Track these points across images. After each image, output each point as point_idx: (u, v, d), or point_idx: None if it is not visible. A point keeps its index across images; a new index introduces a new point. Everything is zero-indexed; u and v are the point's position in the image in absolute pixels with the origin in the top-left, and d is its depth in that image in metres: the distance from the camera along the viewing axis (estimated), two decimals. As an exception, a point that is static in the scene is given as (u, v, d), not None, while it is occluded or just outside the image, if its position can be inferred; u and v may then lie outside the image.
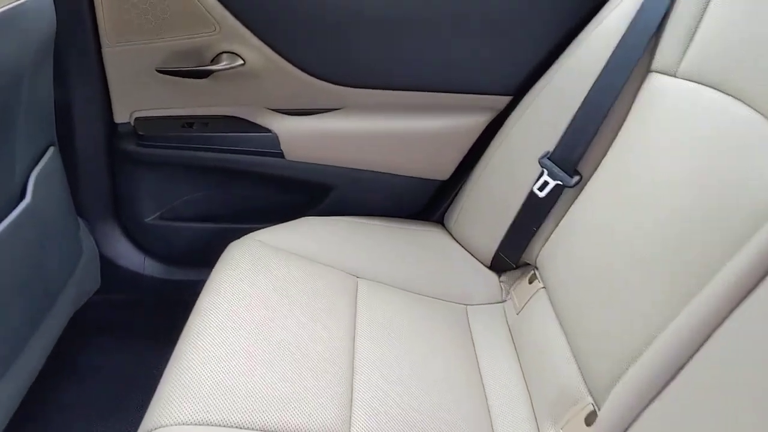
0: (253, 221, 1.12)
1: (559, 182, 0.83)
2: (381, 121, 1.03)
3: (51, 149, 0.93)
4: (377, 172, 1.07)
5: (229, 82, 1.01)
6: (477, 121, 1.02)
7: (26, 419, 0.98)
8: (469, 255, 1.00)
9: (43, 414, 1.06)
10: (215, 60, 0.98)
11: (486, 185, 0.99)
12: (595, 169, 0.80)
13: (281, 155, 1.05)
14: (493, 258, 0.96)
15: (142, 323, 1.23)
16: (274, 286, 0.82)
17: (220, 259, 0.91)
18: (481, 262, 0.98)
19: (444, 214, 1.10)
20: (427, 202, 1.12)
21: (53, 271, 0.92)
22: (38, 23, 0.74)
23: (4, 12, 0.64)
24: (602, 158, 0.79)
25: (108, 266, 1.15)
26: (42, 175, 0.87)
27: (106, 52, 0.98)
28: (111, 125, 1.06)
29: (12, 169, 0.79)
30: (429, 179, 1.09)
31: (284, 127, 1.04)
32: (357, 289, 0.88)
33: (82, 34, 0.95)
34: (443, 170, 1.08)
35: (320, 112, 1.04)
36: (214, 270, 0.87)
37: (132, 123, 1.06)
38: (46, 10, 0.77)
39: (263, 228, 0.98)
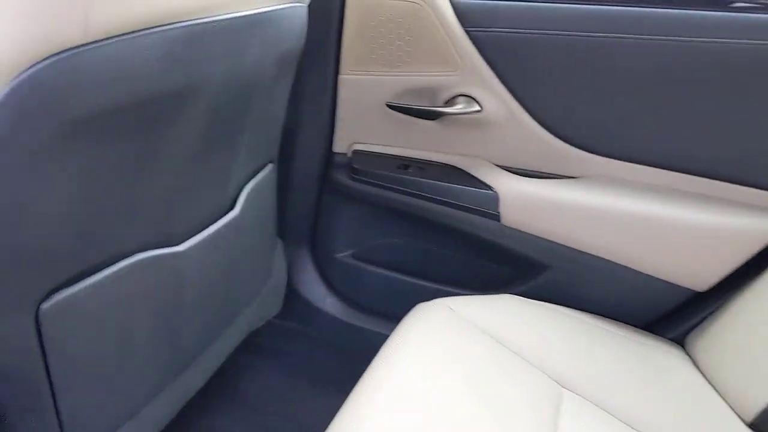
0: (446, 282, 1.02)
1: None
2: (630, 201, 0.84)
3: (269, 166, 0.91)
4: (609, 261, 0.88)
5: (458, 128, 0.91)
6: (764, 227, 0.78)
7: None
8: (720, 398, 0.75)
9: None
10: (450, 102, 0.90)
11: (763, 313, 0.73)
12: None
13: (497, 217, 0.91)
14: (759, 414, 0.70)
15: (309, 359, 1.18)
16: (462, 369, 0.71)
17: (405, 319, 0.80)
18: (737, 414, 0.72)
19: (688, 333, 0.86)
20: (666, 312, 0.89)
21: (242, 288, 0.90)
22: (288, 35, 0.72)
23: (257, 14, 0.61)
24: None
25: (290, 293, 1.11)
26: (255, 190, 0.85)
27: (342, 78, 0.96)
28: (328, 153, 1.04)
29: (228, 178, 0.77)
30: (677, 285, 0.86)
31: (508, 187, 0.90)
32: (560, 402, 0.71)
33: (325, 56, 0.94)
34: (700, 279, 0.84)
35: (554, 177, 0.89)
36: (398, 329, 0.78)
37: (349, 155, 1.02)
38: (300, 25, 0.74)
39: (456, 294, 0.89)
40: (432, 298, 0.85)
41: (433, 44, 0.87)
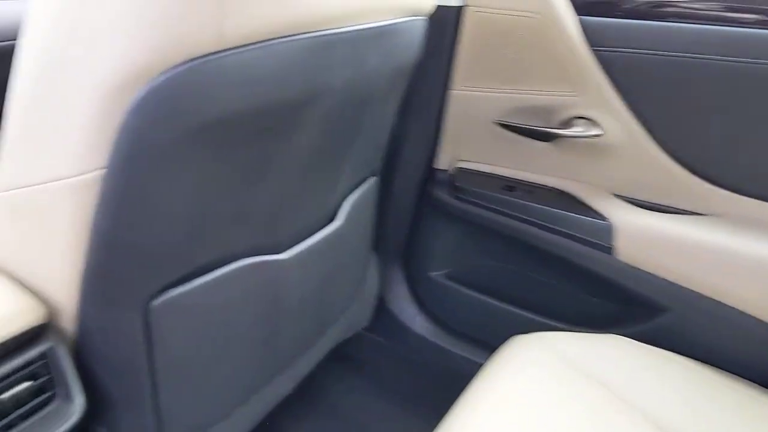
0: (546, 314, 0.96)
1: None
2: (764, 245, 0.75)
3: (372, 179, 0.90)
4: (735, 309, 0.79)
5: (573, 152, 0.86)
6: None
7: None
8: None
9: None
10: (567, 124, 0.84)
11: None
12: None
13: (609, 250, 0.85)
14: None
15: (394, 375, 1.16)
16: (562, 409, 0.66)
17: (501, 350, 0.77)
18: None
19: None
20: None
21: (337, 298, 0.89)
22: (407, 48, 0.70)
23: (380, 26, 0.60)
24: None
25: (380, 307, 1.10)
26: (357, 202, 0.84)
27: (452, 94, 0.93)
28: (430, 170, 1.01)
29: (333, 188, 0.76)
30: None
31: (625, 218, 0.84)
32: (671, 461, 0.63)
33: (437, 70, 0.91)
34: None
35: (679, 212, 0.81)
36: (493, 359, 0.74)
37: (452, 172, 0.99)
38: (418, 38, 0.73)
39: (556, 328, 0.83)
40: (528, 329, 0.80)
41: (552, 62, 0.82)
